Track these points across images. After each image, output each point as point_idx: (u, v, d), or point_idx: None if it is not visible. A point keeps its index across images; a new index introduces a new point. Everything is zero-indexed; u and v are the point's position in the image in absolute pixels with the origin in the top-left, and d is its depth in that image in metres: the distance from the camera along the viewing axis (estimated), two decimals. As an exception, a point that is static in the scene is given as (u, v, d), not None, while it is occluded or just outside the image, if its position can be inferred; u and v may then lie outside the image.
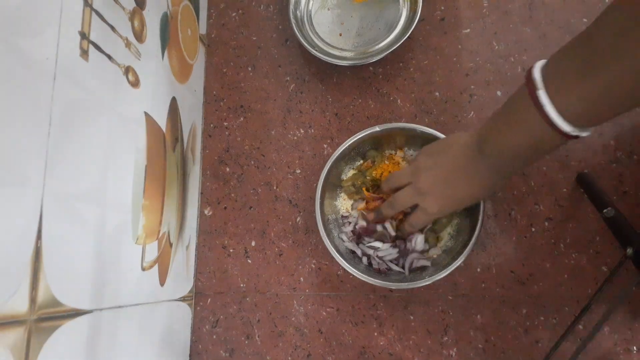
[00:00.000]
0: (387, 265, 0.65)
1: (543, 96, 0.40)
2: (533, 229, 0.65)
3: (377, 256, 0.64)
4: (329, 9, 0.76)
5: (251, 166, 0.75)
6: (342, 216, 0.69)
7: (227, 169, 0.76)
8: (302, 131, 0.75)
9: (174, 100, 0.68)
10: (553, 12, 0.70)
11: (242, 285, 0.72)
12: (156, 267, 0.62)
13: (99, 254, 0.50)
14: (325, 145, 0.73)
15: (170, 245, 0.66)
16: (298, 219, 0.72)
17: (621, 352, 0.60)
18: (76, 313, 0.46)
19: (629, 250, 0.55)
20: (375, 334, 0.67)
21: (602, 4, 0.69)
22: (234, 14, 0.81)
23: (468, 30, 0.73)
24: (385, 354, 0.66)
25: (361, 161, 0.69)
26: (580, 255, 0.63)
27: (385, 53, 0.68)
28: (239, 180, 0.75)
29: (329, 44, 0.74)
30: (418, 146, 0.67)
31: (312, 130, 0.74)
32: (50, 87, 0.43)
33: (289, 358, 0.68)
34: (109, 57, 0.52)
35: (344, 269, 0.62)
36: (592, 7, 0.69)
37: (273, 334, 0.69)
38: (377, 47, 0.72)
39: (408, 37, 0.68)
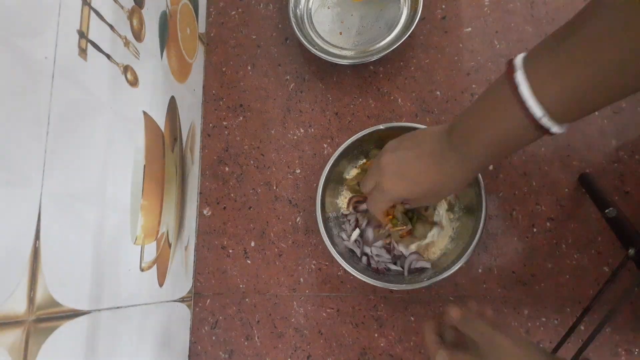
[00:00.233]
0: (385, 265, 0.64)
1: (520, 77, 0.38)
2: (535, 229, 0.65)
3: (375, 255, 0.65)
4: (329, 8, 0.75)
5: (251, 166, 0.75)
6: (343, 214, 0.69)
7: (227, 169, 0.76)
8: (302, 130, 0.74)
9: (172, 99, 0.68)
10: (554, 11, 0.70)
11: (241, 286, 0.72)
12: (155, 267, 0.61)
13: (98, 255, 0.49)
14: (325, 145, 0.73)
15: (169, 245, 0.66)
16: (298, 219, 0.72)
17: (623, 353, 0.60)
18: (74, 314, 0.46)
19: (631, 251, 0.54)
20: (376, 335, 0.67)
21: (604, 3, 0.69)
22: (233, 13, 0.81)
23: (469, 29, 0.72)
24: (385, 355, 0.66)
25: (364, 160, 0.69)
26: (581, 256, 0.63)
27: (386, 52, 0.68)
28: (239, 180, 0.75)
29: (329, 43, 0.74)
30: None
31: (312, 130, 0.74)
32: (48, 87, 0.42)
33: (289, 359, 0.68)
34: (108, 56, 0.52)
35: (344, 270, 0.62)
36: (593, 6, 0.69)
37: (273, 335, 0.69)
38: (377, 45, 0.71)
39: (409, 35, 0.67)
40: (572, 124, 0.39)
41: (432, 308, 0.66)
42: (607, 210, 0.58)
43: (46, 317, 0.42)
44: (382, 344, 0.66)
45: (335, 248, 0.62)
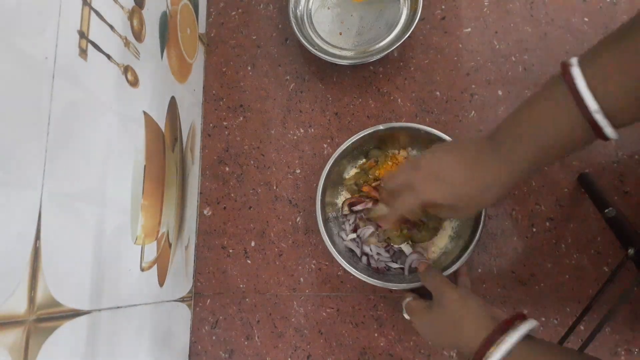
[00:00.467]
0: (385, 264, 0.65)
1: (576, 71, 0.37)
2: (534, 229, 0.65)
3: (376, 254, 0.65)
4: (329, 8, 0.75)
5: (251, 166, 0.75)
6: (343, 214, 0.68)
7: (227, 169, 0.76)
8: (302, 131, 0.74)
9: (173, 99, 0.68)
10: (554, 11, 0.70)
11: (241, 285, 0.72)
12: (155, 267, 0.61)
13: (98, 254, 0.50)
14: (325, 145, 0.73)
15: (170, 245, 0.66)
16: (298, 219, 0.72)
17: (622, 353, 0.60)
18: (75, 313, 0.46)
19: (631, 251, 0.54)
20: (376, 334, 0.67)
21: (603, 4, 0.69)
22: (233, 13, 0.81)
23: (469, 29, 0.72)
24: (385, 354, 0.66)
25: (364, 160, 0.69)
26: (581, 256, 0.63)
27: (386, 52, 0.68)
28: (239, 180, 0.75)
29: (329, 43, 0.74)
30: (422, 147, 0.66)
31: (312, 130, 0.74)
32: (49, 87, 0.42)
33: (289, 359, 0.68)
34: (108, 56, 0.52)
35: (344, 269, 0.62)
36: (592, 7, 0.69)
37: (273, 335, 0.69)
38: (377, 46, 0.71)
39: (408, 36, 0.67)
40: None
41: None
42: (606, 210, 0.58)
43: (46, 317, 0.42)
44: (382, 344, 0.66)
45: (335, 248, 0.62)
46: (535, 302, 0.63)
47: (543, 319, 0.63)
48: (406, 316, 0.58)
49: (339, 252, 0.62)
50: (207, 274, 0.73)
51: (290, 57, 0.77)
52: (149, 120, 0.60)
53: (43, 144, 0.42)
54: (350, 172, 0.69)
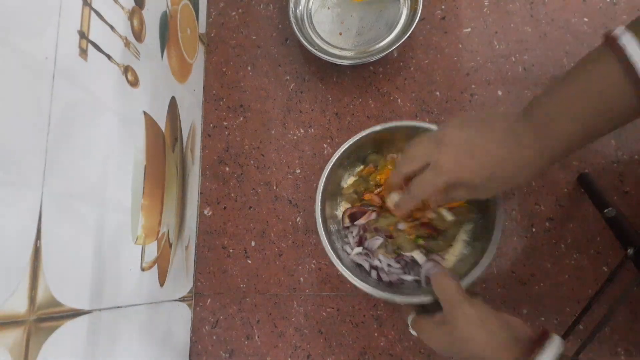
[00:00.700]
0: (398, 276, 0.58)
1: (626, 39, 0.36)
2: (534, 229, 0.65)
3: (387, 266, 0.58)
4: (329, 8, 0.76)
5: (251, 166, 0.75)
6: (345, 227, 0.62)
7: (227, 169, 0.76)
8: (302, 131, 0.74)
9: (173, 99, 0.68)
10: (554, 12, 0.70)
11: (241, 285, 0.72)
12: (155, 267, 0.62)
13: (99, 254, 0.50)
14: (325, 145, 0.73)
15: (170, 245, 0.66)
16: (298, 219, 0.72)
17: (622, 353, 0.60)
18: (75, 313, 0.46)
19: (630, 251, 0.54)
20: (376, 334, 0.67)
21: (603, 4, 0.69)
22: (233, 13, 0.81)
23: (469, 29, 0.72)
24: (385, 354, 0.66)
25: (361, 166, 0.64)
26: (581, 256, 0.63)
27: (386, 52, 0.68)
28: (239, 180, 0.75)
29: (329, 43, 0.74)
30: None
31: (312, 130, 0.74)
32: (49, 87, 0.43)
33: (289, 359, 0.68)
34: (108, 56, 0.52)
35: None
36: (592, 7, 0.69)
37: (273, 335, 0.69)
38: (377, 46, 0.72)
39: (408, 36, 0.67)
40: None
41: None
42: (606, 210, 0.58)
43: (47, 317, 0.42)
44: (381, 343, 0.66)
45: (342, 262, 0.57)
46: (535, 302, 0.63)
47: (543, 319, 0.63)
48: (413, 332, 0.51)
49: (347, 268, 0.57)
50: (208, 274, 0.73)
51: (290, 57, 0.77)
52: (149, 120, 0.60)
53: (43, 144, 0.42)
54: (348, 180, 0.64)
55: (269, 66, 0.78)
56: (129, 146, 0.56)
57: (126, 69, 0.55)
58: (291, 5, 0.74)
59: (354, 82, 0.74)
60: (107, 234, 0.51)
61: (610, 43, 0.37)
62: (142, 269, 0.58)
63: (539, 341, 0.40)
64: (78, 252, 0.47)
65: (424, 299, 0.51)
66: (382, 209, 0.60)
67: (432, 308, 0.50)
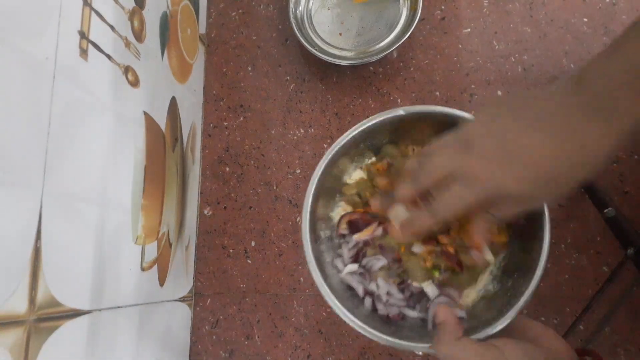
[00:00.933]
0: (399, 309, 0.46)
1: None
2: (533, 229, 0.65)
3: (385, 294, 0.46)
4: (329, 9, 0.76)
5: (251, 166, 0.75)
6: (340, 234, 0.50)
7: (227, 169, 0.76)
8: (302, 131, 0.74)
9: (173, 99, 0.68)
10: (553, 12, 0.70)
11: (241, 285, 0.72)
12: (155, 267, 0.62)
13: (99, 254, 0.50)
14: (325, 145, 0.73)
15: (170, 245, 0.66)
16: (298, 219, 0.72)
17: (622, 353, 0.60)
18: (75, 313, 0.46)
19: (630, 251, 0.55)
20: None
21: (603, 4, 0.69)
22: (233, 14, 0.81)
23: (468, 29, 0.72)
24: (385, 354, 0.66)
25: (373, 158, 0.51)
26: (581, 256, 0.63)
27: (386, 53, 0.68)
28: (239, 180, 0.75)
29: (329, 44, 0.74)
30: None
31: (312, 130, 0.74)
32: (49, 87, 0.43)
33: (289, 358, 0.68)
34: (109, 56, 0.52)
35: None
36: (592, 7, 0.69)
37: (273, 335, 0.69)
38: (377, 46, 0.72)
39: (408, 36, 0.67)
40: None
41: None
42: (606, 210, 0.58)
43: (47, 317, 0.42)
44: (381, 344, 0.66)
45: (326, 282, 0.44)
46: (535, 302, 0.63)
47: (543, 318, 0.63)
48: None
49: (333, 291, 0.44)
50: (208, 274, 0.73)
51: (290, 58, 0.77)
52: (149, 120, 0.60)
53: (43, 144, 0.42)
54: (354, 174, 0.51)
55: (269, 66, 0.78)
56: (129, 146, 0.56)
57: (126, 69, 0.55)
58: (291, 5, 0.74)
59: (354, 83, 0.74)
60: (107, 234, 0.51)
61: None
62: (142, 269, 0.58)
63: None
64: (78, 252, 0.47)
65: (430, 349, 0.40)
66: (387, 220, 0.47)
67: None
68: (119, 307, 0.53)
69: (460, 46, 0.72)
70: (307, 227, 0.46)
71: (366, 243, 0.47)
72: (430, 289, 0.45)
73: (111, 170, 0.52)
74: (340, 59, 0.71)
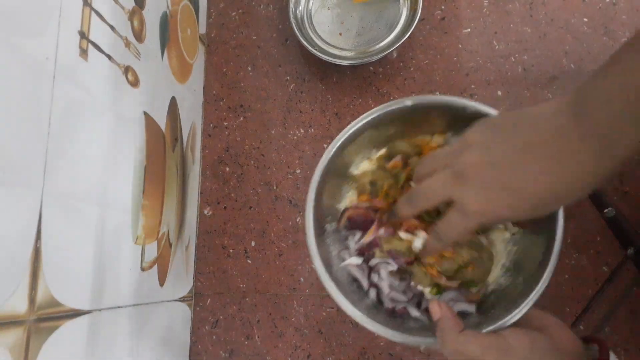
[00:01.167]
0: (403, 304, 0.45)
1: None
2: (533, 229, 0.65)
3: (388, 287, 0.45)
4: (329, 9, 0.76)
5: (251, 166, 0.75)
6: (345, 226, 0.49)
7: (227, 169, 0.76)
8: (302, 131, 0.74)
9: (173, 99, 0.68)
10: (553, 12, 0.70)
11: (241, 285, 0.72)
12: (155, 267, 0.62)
13: (99, 254, 0.50)
14: (325, 145, 0.73)
15: (170, 245, 0.66)
16: (298, 219, 0.72)
17: (622, 353, 0.60)
18: (75, 313, 0.46)
19: (630, 251, 0.55)
20: (376, 334, 0.67)
21: (603, 4, 0.69)
22: (233, 14, 0.81)
23: (468, 29, 0.72)
24: (385, 354, 0.66)
25: (383, 150, 0.49)
26: (580, 256, 0.63)
27: (386, 53, 0.68)
28: (239, 180, 0.75)
29: (329, 44, 0.74)
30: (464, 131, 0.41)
31: (312, 130, 0.74)
32: (49, 87, 0.43)
33: (289, 359, 0.68)
34: (109, 56, 0.52)
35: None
36: (592, 7, 0.69)
37: (273, 335, 0.69)
38: (377, 46, 0.72)
39: (408, 36, 0.67)
40: None
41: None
42: (605, 210, 0.58)
43: (47, 317, 0.42)
44: (381, 343, 0.66)
45: (331, 275, 0.44)
46: (535, 302, 0.63)
47: (543, 318, 0.63)
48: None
49: (337, 283, 0.43)
50: (208, 274, 0.73)
51: (290, 58, 0.77)
52: (149, 120, 0.60)
53: (43, 144, 0.42)
54: (361, 165, 0.49)
55: (269, 66, 0.78)
56: (129, 146, 0.56)
57: (126, 69, 0.55)
58: (291, 5, 0.74)
59: (354, 83, 0.74)
60: (107, 234, 0.51)
61: None
62: (142, 269, 0.58)
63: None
64: (78, 252, 0.47)
65: (433, 342, 0.39)
66: (400, 225, 0.45)
67: None
68: (119, 307, 0.53)
69: (460, 46, 0.72)
70: (312, 216, 0.45)
71: (373, 244, 0.46)
72: (429, 295, 0.45)
73: (111, 170, 0.52)
74: (340, 59, 0.71)
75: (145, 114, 0.60)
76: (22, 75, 0.40)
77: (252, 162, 0.75)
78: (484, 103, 0.43)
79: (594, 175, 0.31)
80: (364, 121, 0.44)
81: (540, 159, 0.31)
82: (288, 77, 0.77)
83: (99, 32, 0.50)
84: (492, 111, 0.42)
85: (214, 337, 0.71)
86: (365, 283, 0.46)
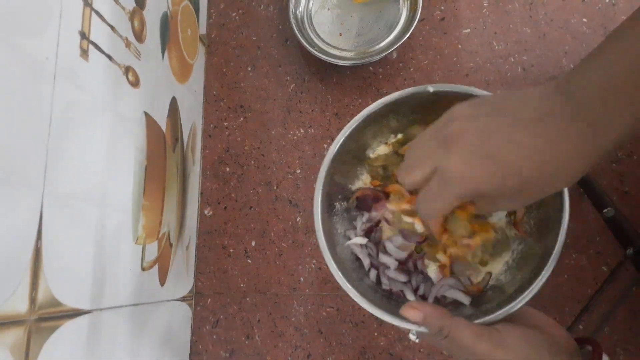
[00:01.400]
0: (401, 287, 0.45)
1: None
2: (533, 229, 0.65)
3: (386, 270, 0.46)
4: (329, 9, 0.76)
5: (251, 166, 0.75)
6: (355, 207, 0.49)
7: (227, 169, 0.76)
8: (302, 131, 0.75)
9: (174, 100, 0.68)
10: (553, 12, 0.70)
11: (242, 285, 0.72)
12: (156, 267, 0.62)
13: (99, 254, 0.50)
14: (325, 145, 0.73)
15: (170, 245, 0.66)
16: (298, 219, 0.72)
17: (621, 353, 0.60)
18: (76, 313, 0.46)
19: (629, 251, 0.55)
20: (376, 334, 0.67)
21: (602, 4, 0.69)
22: (234, 14, 0.81)
23: (468, 30, 0.72)
24: (385, 354, 0.66)
25: (400, 135, 0.48)
26: (580, 256, 0.63)
27: (385, 53, 0.68)
28: (239, 180, 0.75)
29: (329, 44, 0.74)
30: None
31: (312, 130, 0.74)
32: (50, 87, 0.43)
33: (289, 358, 0.68)
34: (109, 57, 0.52)
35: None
36: (591, 7, 0.69)
37: (273, 334, 0.69)
38: (377, 47, 0.72)
39: (408, 37, 0.68)
40: None
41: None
42: (605, 210, 0.58)
43: (47, 317, 0.42)
44: (381, 343, 0.66)
45: (331, 252, 0.44)
46: (534, 302, 0.63)
47: (542, 318, 0.63)
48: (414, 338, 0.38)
49: (337, 261, 0.44)
50: (208, 274, 0.73)
51: (290, 58, 0.77)
52: (150, 120, 0.60)
53: (44, 144, 0.42)
54: (378, 149, 0.49)
55: (269, 67, 0.78)
56: (130, 146, 0.56)
57: (127, 70, 0.55)
58: (291, 6, 0.74)
59: (354, 83, 0.74)
60: (107, 234, 0.51)
61: None
62: (143, 269, 0.58)
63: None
64: (78, 252, 0.47)
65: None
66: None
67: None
68: (119, 306, 0.54)
69: (459, 47, 0.72)
70: (320, 190, 0.44)
71: (385, 218, 0.46)
72: (434, 274, 0.44)
73: (112, 171, 0.52)
74: (340, 59, 0.71)
75: (146, 114, 0.60)
76: (23, 75, 0.40)
77: (252, 162, 0.75)
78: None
79: (583, 158, 0.30)
80: (384, 104, 0.43)
81: (530, 135, 0.30)
82: (288, 78, 0.77)
83: (99, 33, 0.50)
84: None
85: (215, 336, 0.71)
86: (366, 262, 0.46)
